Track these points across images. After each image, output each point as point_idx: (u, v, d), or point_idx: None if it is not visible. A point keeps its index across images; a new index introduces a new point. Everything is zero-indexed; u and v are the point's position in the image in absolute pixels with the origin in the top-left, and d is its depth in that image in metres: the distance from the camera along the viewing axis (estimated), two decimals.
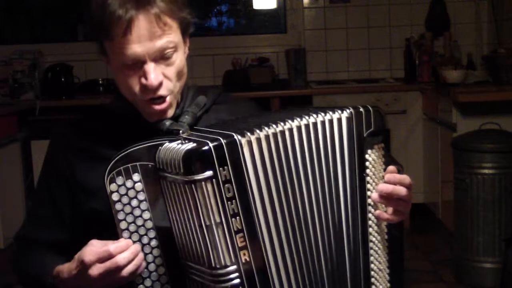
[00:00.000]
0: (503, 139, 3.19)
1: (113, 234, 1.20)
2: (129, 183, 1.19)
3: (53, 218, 1.38)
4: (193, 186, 1.10)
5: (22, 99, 4.41)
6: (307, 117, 1.21)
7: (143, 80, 1.25)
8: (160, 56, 1.25)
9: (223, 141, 1.11)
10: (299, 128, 1.20)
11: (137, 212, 1.19)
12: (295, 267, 1.19)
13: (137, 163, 1.19)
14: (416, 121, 4.34)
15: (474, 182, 3.17)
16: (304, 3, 4.84)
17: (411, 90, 4.35)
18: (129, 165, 1.19)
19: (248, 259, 1.13)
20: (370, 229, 1.28)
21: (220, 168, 1.10)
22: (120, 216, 1.18)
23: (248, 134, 1.14)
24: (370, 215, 1.28)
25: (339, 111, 1.24)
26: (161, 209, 1.19)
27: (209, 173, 1.10)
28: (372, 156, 1.27)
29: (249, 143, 1.14)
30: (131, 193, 1.19)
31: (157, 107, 1.28)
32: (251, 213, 1.14)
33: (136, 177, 1.19)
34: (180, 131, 1.25)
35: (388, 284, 1.31)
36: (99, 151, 1.31)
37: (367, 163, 1.26)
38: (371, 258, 1.28)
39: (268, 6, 4.96)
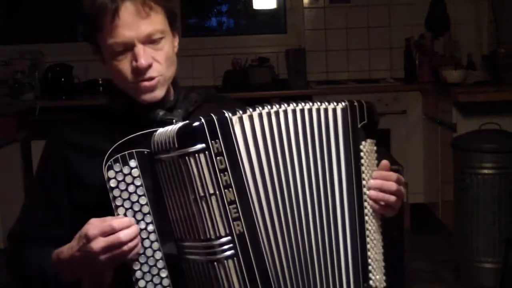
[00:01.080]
0: (503, 139, 3.20)
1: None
2: (126, 170, 1.23)
3: (50, 215, 1.39)
4: (187, 158, 1.16)
5: (22, 99, 4.40)
6: (302, 104, 1.26)
7: (133, 63, 1.31)
8: (149, 40, 1.32)
9: (214, 117, 1.18)
10: (293, 111, 1.25)
11: (134, 197, 1.23)
12: (284, 239, 1.22)
13: (134, 150, 1.23)
14: (416, 121, 4.34)
15: (474, 182, 3.17)
16: (304, 3, 4.84)
17: (411, 90, 4.35)
18: (125, 152, 1.23)
19: (241, 230, 1.17)
20: (366, 218, 1.30)
21: (212, 141, 1.16)
22: (118, 202, 1.22)
23: (240, 112, 1.21)
24: (365, 203, 1.30)
25: (334, 103, 1.29)
26: (157, 194, 1.23)
27: (201, 145, 1.16)
28: (366, 148, 1.30)
29: (240, 119, 1.20)
30: (128, 179, 1.23)
31: (146, 83, 1.33)
32: (243, 185, 1.19)
33: (132, 163, 1.23)
34: (174, 120, 1.32)
35: (384, 277, 1.32)
36: (96, 146, 1.33)
37: (361, 154, 1.30)
38: (368, 246, 1.29)
39: (268, 6, 4.96)
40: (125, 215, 1.22)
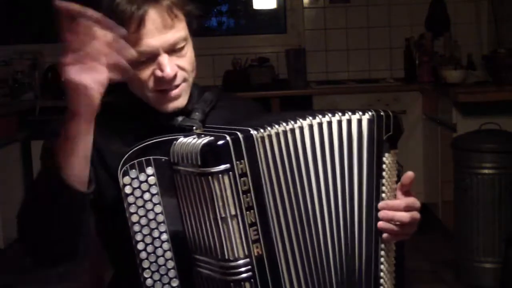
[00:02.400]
0: (503, 139, 3.20)
1: (117, 231, 1.21)
2: (142, 177, 1.19)
3: None
4: (210, 178, 1.12)
5: (22, 99, 4.40)
6: (320, 116, 1.23)
7: (158, 73, 1.27)
8: (173, 49, 1.28)
9: (240, 136, 1.13)
10: (310, 126, 1.21)
11: (149, 205, 1.19)
12: (303, 263, 1.19)
13: (151, 157, 1.19)
14: (416, 121, 4.34)
15: (474, 182, 3.17)
16: (304, 3, 4.84)
17: (411, 90, 4.35)
18: (142, 158, 1.19)
19: (260, 253, 1.14)
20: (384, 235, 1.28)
21: (237, 162, 1.12)
22: (132, 209, 1.19)
23: (261, 130, 1.17)
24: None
25: (360, 113, 1.26)
26: (173, 203, 1.20)
27: (226, 166, 1.12)
28: (388, 160, 1.28)
29: (262, 138, 1.16)
30: (144, 186, 1.19)
31: (171, 92, 1.30)
32: (265, 207, 1.16)
33: (149, 170, 1.19)
34: (194, 127, 1.27)
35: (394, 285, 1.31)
36: (109, 148, 1.30)
37: (383, 166, 1.27)
38: (381, 259, 1.28)
39: (268, 6, 4.96)
40: (138, 222, 1.19)
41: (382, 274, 1.28)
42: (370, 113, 1.26)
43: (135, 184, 1.19)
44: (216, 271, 1.15)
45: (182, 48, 1.29)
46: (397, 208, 1.27)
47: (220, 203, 1.12)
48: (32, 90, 4.46)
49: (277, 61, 4.81)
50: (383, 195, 1.27)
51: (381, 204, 1.26)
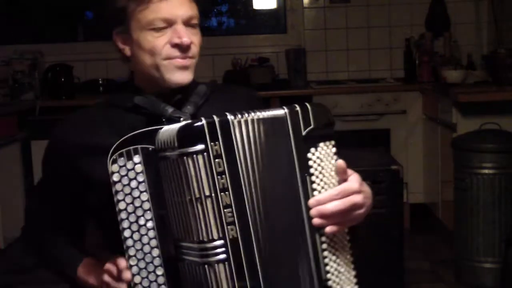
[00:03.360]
0: (503, 139, 3.20)
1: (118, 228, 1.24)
2: (129, 165, 1.23)
3: (58, 214, 1.45)
4: (185, 158, 1.15)
5: (22, 99, 4.40)
6: (246, 114, 1.21)
7: (176, 39, 1.33)
8: (188, 23, 1.35)
9: (216, 119, 1.17)
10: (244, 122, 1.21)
11: (135, 193, 1.23)
12: (272, 247, 1.19)
13: (138, 146, 1.23)
14: (416, 121, 4.33)
15: (474, 182, 3.17)
16: (304, 3, 4.84)
17: (411, 90, 4.35)
18: (131, 147, 1.23)
19: (235, 235, 1.16)
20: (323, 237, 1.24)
21: (212, 143, 1.16)
22: (120, 196, 1.22)
23: (239, 116, 1.20)
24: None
25: (274, 111, 1.23)
26: (159, 191, 1.23)
27: (200, 146, 1.15)
28: (316, 155, 1.24)
29: (239, 123, 1.19)
30: (131, 174, 1.23)
31: (183, 60, 1.35)
32: (241, 189, 1.17)
33: (136, 158, 1.23)
34: (181, 119, 1.30)
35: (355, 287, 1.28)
36: (103, 143, 1.32)
37: (310, 162, 1.23)
38: (326, 260, 1.24)
39: (268, 6, 4.96)
40: (125, 210, 1.22)
41: (329, 275, 1.24)
42: (282, 110, 1.23)
43: (123, 171, 1.23)
44: (195, 255, 1.17)
45: (195, 26, 1.37)
46: (329, 199, 1.22)
47: (195, 184, 1.15)
48: (32, 90, 4.46)
49: (277, 61, 4.81)
50: (315, 192, 1.23)
51: (310, 201, 1.23)
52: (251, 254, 1.17)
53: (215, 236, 1.15)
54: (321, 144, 1.25)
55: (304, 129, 1.24)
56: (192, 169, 1.15)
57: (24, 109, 4.17)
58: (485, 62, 4.32)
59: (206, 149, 1.15)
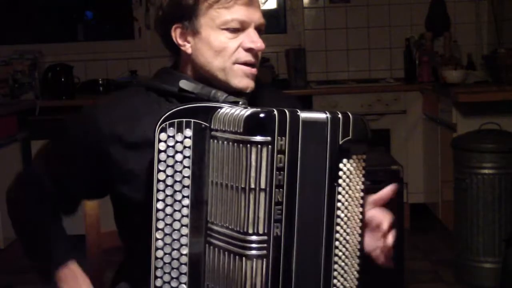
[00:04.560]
0: (503, 139, 3.19)
1: (142, 221, 1.21)
2: (179, 137, 1.18)
3: (72, 172, 1.39)
4: (248, 146, 1.12)
5: (22, 99, 4.40)
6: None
7: (249, 44, 1.31)
8: (259, 28, 1.34)
9: (287, 112, 1.13)
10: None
11: (178, 167, 1.18)
12: (300, 250, 1.19)
13: (192, 120, 1.19)
14: (416, 121, 4.34)
15: (474, 182, 3.17)
16: (304, 3, 4.84)
17: (411, 90, 4.35)
18: (183, 119, 1.18)
19: (279, 234, 1.13)
20: (337, 242, 1.23)
21: (278, 137, 1.12)
22: (161, 166, 1.17)
23: (306, 113, 1.17)
24: (338, 227, 1.23)
25: (316, 114, 1.21)
26: (202, 171, 1.19)
27: (267, 138, 1.12)
28: (347, 166, 1.23)
29: (305, 122, 1.16)
30: (179, 147, 1.18)
31: (252, 69, 1.33)
32: (294, 188, 1.15)
33: (187, 132, 1.19)
34: (240, 102, 1.26)
35: None
36: (140, 133, 1.30)
37: (340, 173, 1.22)
38: (335, 273, 1.23)
39: (268, 6, 4.96)
40: (163, 181, 1.17)
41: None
42: (324, 115, 1.20)
43: (170, 142, 1.18)
44: (230, 242, 1.14)
45: (263, 32, 1.35)
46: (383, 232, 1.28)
47: (253, 174, 1.11)
48: (32, 90, 4.46)
49: (277, 61, 4.81)
50: (339, 204, 1.22)
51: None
52: (290, 254, 1.16)
53: (261, 231, 1.12)
54: (354, 157, 1.24)
55: (342, 139, 1.22)
56: (253, 159, 1.11)
57: (24, 109, 4.17)
58: (485, 62, 4.32)
59: (272, 142, 1.12)
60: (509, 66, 3.84)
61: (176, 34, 1.35)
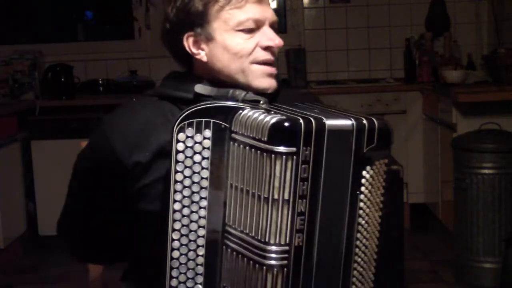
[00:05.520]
0: (503, 139, 3.19)
1: (160, 236, 1.19)
2: (198, 137, 1.16)
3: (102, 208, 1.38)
4: (272, 156, 1.09)
5: (22, 99, 4.40)
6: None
7: (266, 42, 1.29)
8: (272, 25, 1.32)
9: (313, 122, 1.11)
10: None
11: (196, 168, 1.16)
12: (320, 261, 1.17)
13: (211, 120, 1.15)
14: (416, 121, 4.34)
15: (474, 182, 3.17)
16: (304, 3, 4.84)
17: (411, 90, 4.35)
18: (203, 119, 1.15)
19: (300, 244, 1.12)
20: (357, 250, 1.21)
21: (304, 148, 1.10)
22: (179, 167, 1.15)
23: (331, 121, 1.15)
24: (359, 234, 1.21)
25: (342, 121, 1.17)
26: (220, 171, 1.17)
27: (292, 149, 1.09)
28: (370, 173, 1.20)
29: (330, 131, 1.13)
30: (197, 147, 1.16)
31: (272, 68, 1.31)
32: (317, 199, 1.13)
33: (207, 133, 1.16)
34: (260, 102, 1.22)
35: None
36: (155, 147, 1.27)
37: (363, 180, 1.19)
38: (353, 279, 1.21)
39: None
40: (181, 182, 1.15)
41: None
42: (350, 121, 1.17)
43: (189, 143, 1.15)
44: (248, 249, 1.13)
45: (276, 31, 1.33)
46: None
47: (277, 184, 1.09)
48: (32, 90, 4.45)
49: (277, 61, 4.79)
50: (361, 211, 1.20)
51: None
52: (310, 263, 1.14)
53: (283, 241, 1.10)
54: (377, 162, 1.21)
55: (367, 146, 1.18)
56: (278, 170, 1.08)
57: (24, 109, 4.17)
58: (485, 62, 4.32)
59: (297, 153, 1.09)
60: (509, 66, 3.84)
61: (189, 43, 1.31)
